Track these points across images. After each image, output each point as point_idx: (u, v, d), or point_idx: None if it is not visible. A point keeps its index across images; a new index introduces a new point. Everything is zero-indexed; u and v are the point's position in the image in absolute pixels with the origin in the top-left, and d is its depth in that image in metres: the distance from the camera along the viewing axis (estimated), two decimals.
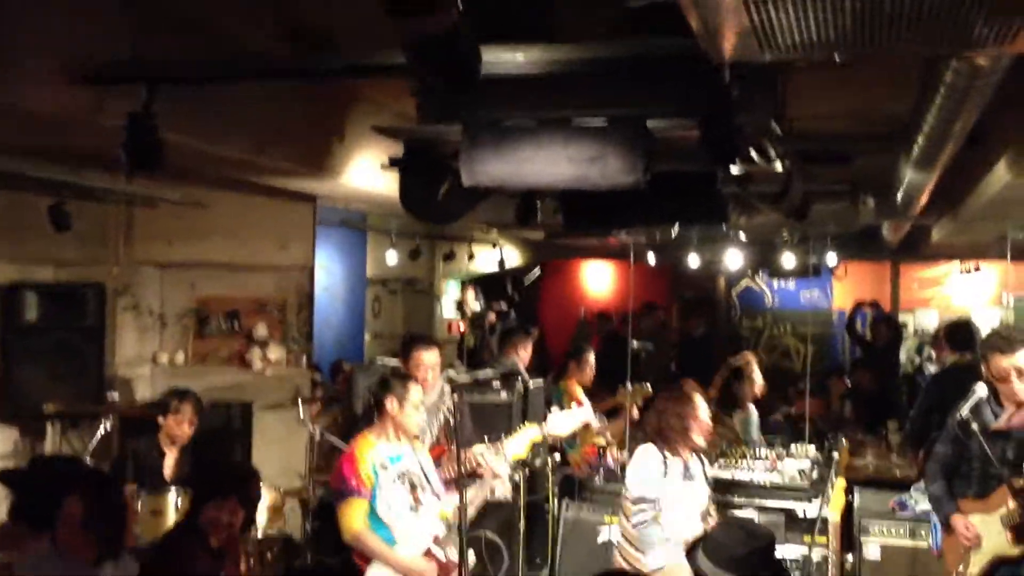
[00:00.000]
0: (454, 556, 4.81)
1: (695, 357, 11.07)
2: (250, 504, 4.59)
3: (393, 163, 5.87)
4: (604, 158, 4.30)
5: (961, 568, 4.81)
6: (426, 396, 5.08)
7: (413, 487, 4.78)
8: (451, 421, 5.05)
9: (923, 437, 6.88)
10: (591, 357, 7.91)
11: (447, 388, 4.99)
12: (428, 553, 4.82)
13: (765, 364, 7.79)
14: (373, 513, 4.79)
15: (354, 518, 4.75)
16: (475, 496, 4.93)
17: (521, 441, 5.08)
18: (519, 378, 7.00)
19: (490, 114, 4.44)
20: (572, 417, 5.14)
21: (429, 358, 5.38)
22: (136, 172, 4.64)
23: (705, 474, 5.22)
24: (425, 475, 4.94)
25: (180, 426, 5.83)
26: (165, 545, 4.63)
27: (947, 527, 4.85)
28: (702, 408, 5.14)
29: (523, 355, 7.89)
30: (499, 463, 4.99)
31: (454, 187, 5.21)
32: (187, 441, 5.91)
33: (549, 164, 4.39)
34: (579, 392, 7.77)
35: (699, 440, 5.09)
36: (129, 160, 3.86)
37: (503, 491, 5.07)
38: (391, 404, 4.86)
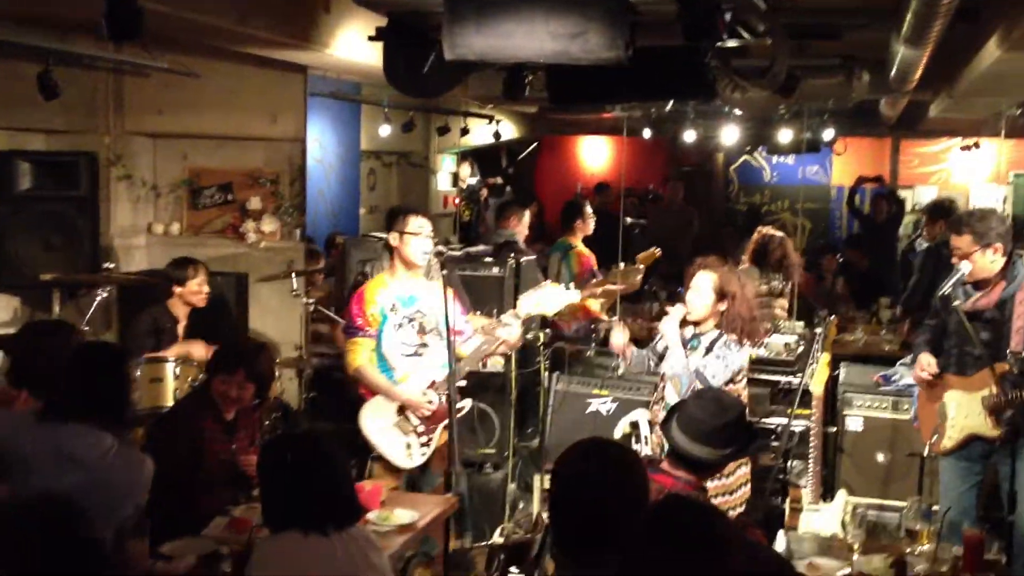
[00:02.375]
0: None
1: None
2: (260, 378, 4.70)
3: (378, 35, 5.78)
4: (585, 33, 4.24)
5: (934, 439, 4.93)
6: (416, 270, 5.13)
7: (422, 329, 4.86)
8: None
9: (917, 312, 7.00)
10: (589, 209, 7.97)
11: (436, 263, 5.01)
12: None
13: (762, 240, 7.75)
14: (379, 351, 4.98)
15: (357, 354, 5.00)
16: (479, 350, 5.03)
17: (551, 300, 5.13)
18: (512, 251, 7.05)
19: None
20: (558, 296, 5.16)
21: (415, 224, 5.42)
22: (119, 40, 4.57)
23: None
24: (436, 319, 5.02)
25: (202, 288, 6.01)
26: (176, 411, 4.75)
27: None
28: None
29: (520, 228, 7.93)
30: (512, 329, 5.04)
31: (438, 60, 5.15)
32: (196, 308, 6.06)
33: (531, 38, 4.33)
34: (584, 248, 7.84)
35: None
36: (110, 29, 3.80)
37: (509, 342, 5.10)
38: (394, 238, 4.97)
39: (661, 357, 5.02)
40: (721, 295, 4.85)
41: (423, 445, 4.99)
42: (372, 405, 4.98)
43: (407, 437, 4.97)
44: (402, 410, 4.97)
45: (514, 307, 5.09)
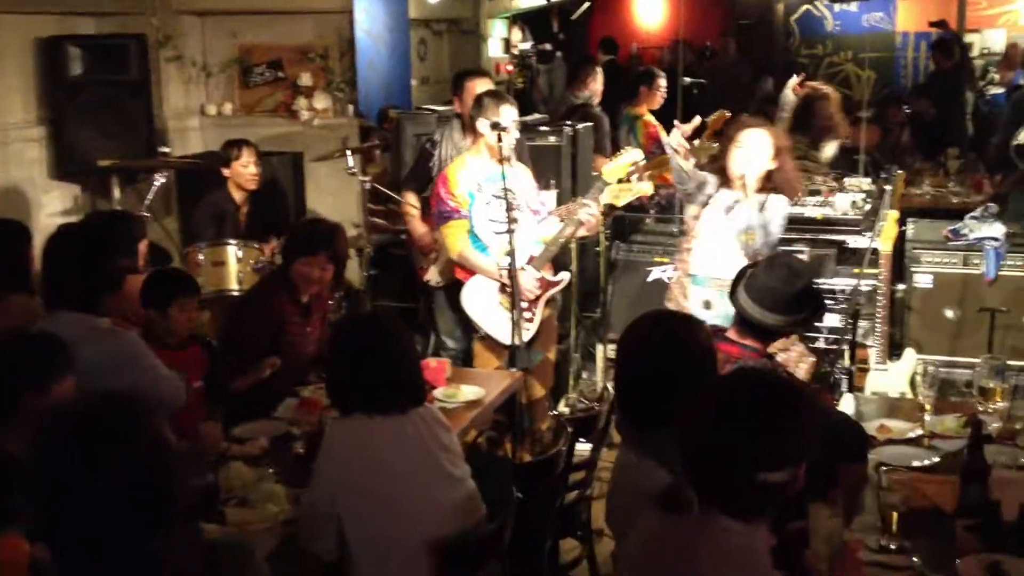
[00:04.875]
0: (550, 276, 5.06)
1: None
2: (338, 260, 4.71)
3: None
4: None
5: None
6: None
7: (509, 207, 4.85)
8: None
9: (1003, 161, 6.72)
10: (663, 82, 7.76)
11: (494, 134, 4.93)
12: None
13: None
14: (472, 232, 4.97)
15: (456, 238, 4.98)
16: (560, 234, 5.02)
17: (618, 167, 5.05)
18: (588, 115, 6.90)
19: None
20: (630, 190, 5.07)
21: (482, 87, 5.33)
22: None
23: None
24: (522, 196, 5.03)
25: (247, 169, 5.95)
26: (253, 294, 4.78)
27: None
28: None
29: (595, 88, 7.75)
30: (591, 209, 5.00)
31: None
32: (256, 189, 6.05)
33: None
34: (651, 118, 7.67)
35: None
36: None
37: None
38: (482, 125, 4.89)
39: (704, 204, 4.83)
40: (777, 152, 4.66)
41: (528, 321, 5.01)
42: (473, 285, 5.00)
43: (520, 315, 4.97)
44: (504, 288, 4.95)
45: (572, 182, 5.04)
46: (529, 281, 4.96)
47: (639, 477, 2.59)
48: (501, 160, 4.82)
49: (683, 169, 4.72)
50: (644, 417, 2.72)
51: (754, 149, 4.63)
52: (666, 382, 2.66)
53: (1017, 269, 5.76)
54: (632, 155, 5.06)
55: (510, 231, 4.77)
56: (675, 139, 4.73)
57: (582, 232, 5.18)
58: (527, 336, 4.98)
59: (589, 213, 4.97)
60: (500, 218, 4.90)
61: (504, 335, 4.94)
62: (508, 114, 4.90)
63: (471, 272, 5.03)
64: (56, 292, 3.67)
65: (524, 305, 4.98)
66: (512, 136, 4.94)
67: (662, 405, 2.63)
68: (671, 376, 2.66)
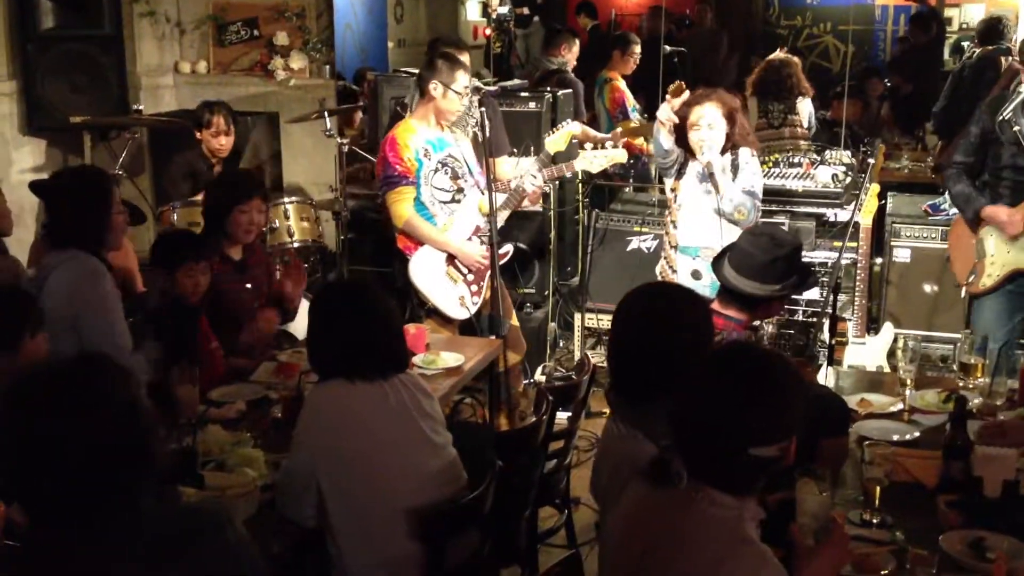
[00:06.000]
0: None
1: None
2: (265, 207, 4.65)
3: None
4: None
5: (971, 279, 4.73)
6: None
7: (455, 175, 4.77)
8: (478, 135, 4.96)
9: (949, 129, 6.74)
10: (637, 48, 7.70)
11: (475, 99, 4.85)
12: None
13: (804, 66, 7.44)
14: (418, 200, 4.83)
15: (403, 205, 4.82)
16: (504, 205, 4.92)
17: (560, 137, 4.98)
18: (562, 81, 6.85)
19: None
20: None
21: (462, 83, 5.22)
22: None
23: None
24: (467, 165, 4.94)
25: (217, 138, 5.85)
26: None
27: (976, 223, 4.69)
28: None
29: (570, 56, 7.70)
30: (536, 181, 4.93)
31: None
32: (229, 153, 5.94)
33: None
34: (622, 84, 7.62)
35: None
36: None
37: (533, 191, 4.99)
38: (434, 88, 4.78)
39: (679, 173, 4.85)
40: (731, 118, 4.68)
41: (474, 294, 4.94)
42: (420, 257, 4.88)
43: (458, 287, 4.91)
44: (451, 259, 4.89)
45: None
46: (477, 253, 4.88)
47: (628, 448, 2.57)
48: (450, 126, 4.75)
49: (663, 145, 4.72)
50: (636, 389, 2.69)
51: (707, 127, 4.65)
52: (659, 356, 2.63)
53: None
54: (571, 127, 4.98)
55: (455, 201, 4.71)
56: (664, 113, 4.71)
57: (525, 204, 5.11)
58: (475, 308, 4.92)
59: (533, 184, 4.89)
60: (447, 187, 4.83)
61: (453, 309, 4.89)
62: (462, 80, 4.79)
63: (417, 243, 4.89)
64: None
65: (471, 277, 4.91)
66: (463, 102, 4.84)
67: (655, 378, 2.61)
68: (664, 350, 2.63)
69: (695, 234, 4.75)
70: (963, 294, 4.95)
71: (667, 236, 4.92)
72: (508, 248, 5.11)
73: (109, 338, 3.63)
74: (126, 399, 1.93)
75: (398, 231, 4.90)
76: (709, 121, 4.65)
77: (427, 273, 4.88)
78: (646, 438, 2.54)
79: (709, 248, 4.55)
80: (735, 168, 4.71)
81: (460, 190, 4.89)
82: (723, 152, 4.69)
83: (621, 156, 4.98)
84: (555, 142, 4.90)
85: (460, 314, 4.93)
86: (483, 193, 4.83)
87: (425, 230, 4.84)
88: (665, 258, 4.92)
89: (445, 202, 4.87)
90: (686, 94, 4.76)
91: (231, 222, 4.37)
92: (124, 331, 3.77)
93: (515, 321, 5.20)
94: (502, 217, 4.89)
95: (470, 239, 4.88)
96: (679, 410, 2.25)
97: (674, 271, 4.81)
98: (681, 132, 4.74)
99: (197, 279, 4.06)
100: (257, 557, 2.15)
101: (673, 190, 4.88)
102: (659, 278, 4.89)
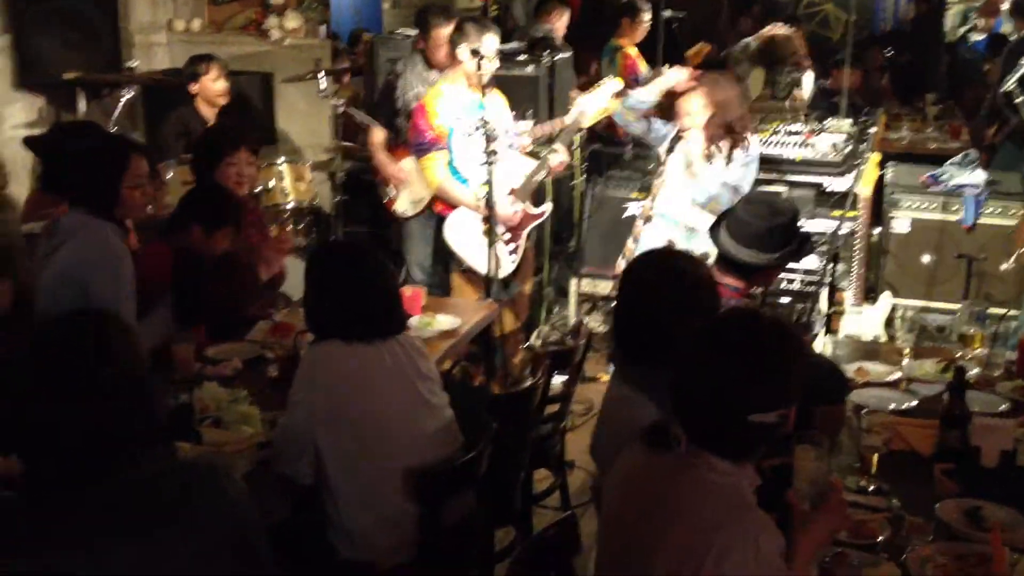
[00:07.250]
0: (530, 208, 5.02)
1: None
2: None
3: None
4: None
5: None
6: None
7: (489, 138, 4.76)
8: None
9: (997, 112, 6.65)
10: (647, 16, 7.62)
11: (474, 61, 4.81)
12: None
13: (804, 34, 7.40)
14: (451, 164, 4.89)
15: (435, 170, 4.90)
16: (535, 171, 4.97)
17: (603, 95, 4.99)
18: (549, 48, 6.77)
19: None
20: (601, 97, 5.00)
21: (448, 33, 5.16)
22: None
23: None
24: (501, 125, 4.95)
25: (216, 84, 5.78)
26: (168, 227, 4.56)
27: None
28: None
29: (559, 24, 7.60)
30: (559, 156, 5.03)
31: None
32: (226, 104, 5.88)
33: None
34: (632, 52, 7.56)
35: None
36: None
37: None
38: (463, 53, 4.75)
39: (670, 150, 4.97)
40: (714, 104, 4.79)
41: (511, 253, 4.97)
42: (456, 218, 4.93)
43: (495, 247, 4.91)
44: (487, 219, 4.87)
45: (550, 114, 4.99)
46: (510, 211, 4.88)
47: (630, 411, 2.57)
48: (482, 88, 4.71)
49: (635, 128, 5.03)
50: (639, 353, 2.70)
51: (687, 114, 4.81)
52: (663, 320, 2.64)
53: (996, 217, 5.77)
54: (612, 85, 4.98)
55: (489, 163, 4.69)
56: (677, 76, 4.88)
57: (543, 174, 5.16)
58: (512, 267, 4.95)
59: (558, 159, 4.98)
60: (480, 149, 4.82)
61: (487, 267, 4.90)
62: (490, 43, 4.78)
63: (451, 205, 4.94)
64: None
65: (507, 236, 4.92)
66: (493, 65, 4.83)
67: (658, 342, 2.61)
68: (668, 314, 2.64)
69: (675, 205, 4.88)
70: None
71: (644, 210, 5.02)
72: (547, 207, 5.15)
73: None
74: (124, 354, 1.93)
75: (432, 195, 5.01)
76: (689, 107, 4.80)
77: (462, 233, 4.94)
78: (648, 401, 2.54)
79: (685, 221, 4.76)
80: (729, 159, 4.79)
81: (494, 152, 4.86)
82: (713, 140, 4.72)
83: (615, 106, 5.01)
84: (595, 106, 4.97)
85: (499, 274, 4.92)
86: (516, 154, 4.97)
87: (457, 192, 4.90)
88: (640, 224, 4.98)
89: (480, 164, 4.85)
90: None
91: (220, 175, 4.34)
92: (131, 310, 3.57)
93: (528, 287, 5.23)
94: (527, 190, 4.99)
95: (509, 197, 4.92)
96: (679, 377, 2.24)
97: (636, 242, 4.86)
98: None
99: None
100: (255, 510, 2.14)
101: (662, 163, 4.93)
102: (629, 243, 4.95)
